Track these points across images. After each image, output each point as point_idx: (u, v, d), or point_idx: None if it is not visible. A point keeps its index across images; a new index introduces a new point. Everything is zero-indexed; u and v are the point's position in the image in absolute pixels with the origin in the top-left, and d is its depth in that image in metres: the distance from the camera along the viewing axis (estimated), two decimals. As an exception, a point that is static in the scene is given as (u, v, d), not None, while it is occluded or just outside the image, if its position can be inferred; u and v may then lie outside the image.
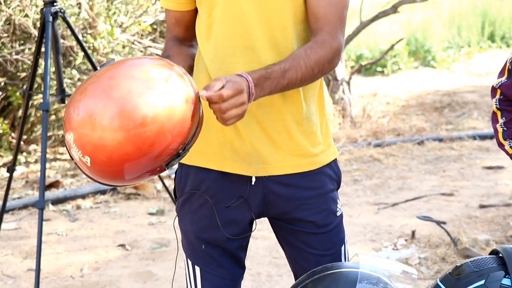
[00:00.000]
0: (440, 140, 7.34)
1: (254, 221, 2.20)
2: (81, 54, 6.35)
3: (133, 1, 6.90)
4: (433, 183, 6.01)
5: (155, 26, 7.50)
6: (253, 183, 2.11)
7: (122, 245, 4.73)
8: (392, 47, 8.71)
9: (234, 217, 2.15)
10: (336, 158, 2.21)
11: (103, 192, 5.84)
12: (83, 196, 5.79)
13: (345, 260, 2.22)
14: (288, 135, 2.10)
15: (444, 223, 4.87)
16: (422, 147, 7.20)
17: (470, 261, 1.91)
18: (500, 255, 1.88)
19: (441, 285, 1.88)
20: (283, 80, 1.92)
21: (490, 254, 1.94)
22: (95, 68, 4.51)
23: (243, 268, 2.24)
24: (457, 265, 1.93)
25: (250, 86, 1.85)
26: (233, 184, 2.13)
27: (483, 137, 7.26)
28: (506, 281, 1.80)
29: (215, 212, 2.12)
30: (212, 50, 2.05)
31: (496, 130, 2.36)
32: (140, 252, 4.59)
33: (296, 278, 2.27)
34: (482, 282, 1.82)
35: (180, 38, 2.18)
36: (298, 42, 2.06)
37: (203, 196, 2.13)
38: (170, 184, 5.47)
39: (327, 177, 2.17)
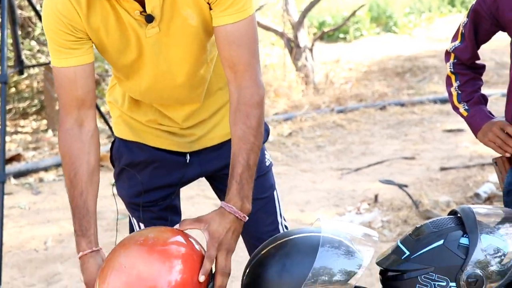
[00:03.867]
0: (402, 105, 7.41)
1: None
2: (40, 24, 6.25)
3: None
4: (395, 147, 6.07)
5: None
6: (187, 160, 2.27)
7: (86, 217, 4.69)
8: (354, 13, 8.73)
9: (170, 181, 2.28)
10: None
11: (66, 164, 5.79)
12: (46, 169, 5.74)
13: (277, 203, 2.37)
14: (216, 120, 2.25)
15: (406, 186, 4.92)
16: (384, 112, 7.25)
17: (430, 222, 1.92)
18: (459, 215, 1.89)
19: (401, 246, 1.89)
20: (251, 170, 1.98)
21: (449, 214, 1.95)
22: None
23: (180, 214, 2.38)
24: (417, 226, 1.94)
25: (239, 216, 1.95)
26: (171, 155, 2.27)
27: (443, 101, 7.33)
28: (464, 240, 1.82)
29: (153, 179, 2.26)
30: (136, 86, 2.14)
31: (450, 93, 2.38)
32: (105, 223, 4.56)
33: (241, 235, 2.36)
34: (441, 242, 1.83)
35: (87, 108, 2.04)
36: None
37: (139, 166, 2.25)
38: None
39: None
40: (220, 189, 2.33)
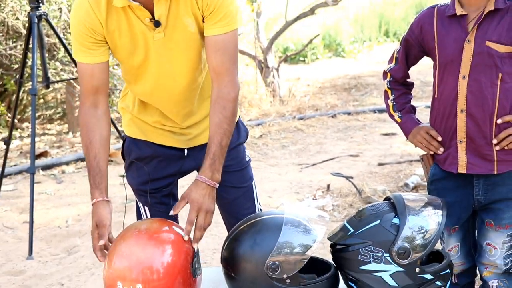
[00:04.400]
0: (349, 113, 7.42)
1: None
2: (63, 49, 6.19)
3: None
4: (343, 147, 6.08)
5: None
6: (186, 153, 2.26)
7: (99, 201, 4.65)
8: (311, 41, 8.73)
9: (170, 172, 2.28)
10: (239, 119, 2.33)
11: (83, 160, 5.74)
12: (67, 163, 5.68)
13: (255, 192, 2.37)
14: (208, 122, 2.19)
15: (352, 177, 4.93)
16: (335, 119, 7.26)
17: (369, 206, 1.93)
18: (392, 201, 1.91)
19: (347, 225, 1.90)
20: (222, 150, 2.00)
21: (384, 200, 1.97)
22: (74, 61, 4.40)
23: (177, 200, 2.34)
24: (360, 209, 1.95)
25: (209, 183, 1.95)
26: (172, 150, 2.26)
27: (381, 111, 7.33)
28: (395, 220, 1.83)
29: (157, 170, 2.24)
30: (142, 87, 2.12)
31: (387, 105, 2.39)
32: (114, 206, 4.47)
33: (222, 215, 2.39)
34: (378, 221, 1.84)
35: (101, 94, 2.04)
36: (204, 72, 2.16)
37: (146, 159, 2.23)
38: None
39: (236, 134, 2.30)
40: None
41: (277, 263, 1.76)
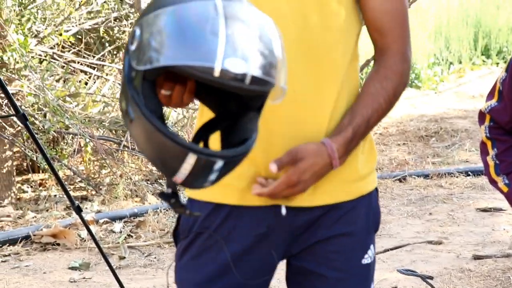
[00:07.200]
0: (426, 176, 7.39)
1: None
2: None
3: (52, 6, 6.85)
4: (418, 228, 6.04)
5: (79, 36, 7.45)
6: (283, 213, 2.06)
7: (37, 309, 4.65)
8: (368, 63, 8.78)
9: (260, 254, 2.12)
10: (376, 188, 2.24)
11: (12, 243, 5.72)
12: None
13: None
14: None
15: (431, 278, 4.88)
16: (404, 184, 7.24)
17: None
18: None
19: None
20: (365, 132, 2.07)
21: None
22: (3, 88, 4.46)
23: None
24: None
25: (333, 157, 1.98)
26: (253, 219, 2.08)
27: (477, 173, 7.31)
28: None
29: (227, 251, 2.05)
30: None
31: (486, 163, 2.38)
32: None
33: None
34: None
35: None
36: None
37: (211, 237, 2.06)
38: (97, 231, 5.40)
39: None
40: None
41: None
